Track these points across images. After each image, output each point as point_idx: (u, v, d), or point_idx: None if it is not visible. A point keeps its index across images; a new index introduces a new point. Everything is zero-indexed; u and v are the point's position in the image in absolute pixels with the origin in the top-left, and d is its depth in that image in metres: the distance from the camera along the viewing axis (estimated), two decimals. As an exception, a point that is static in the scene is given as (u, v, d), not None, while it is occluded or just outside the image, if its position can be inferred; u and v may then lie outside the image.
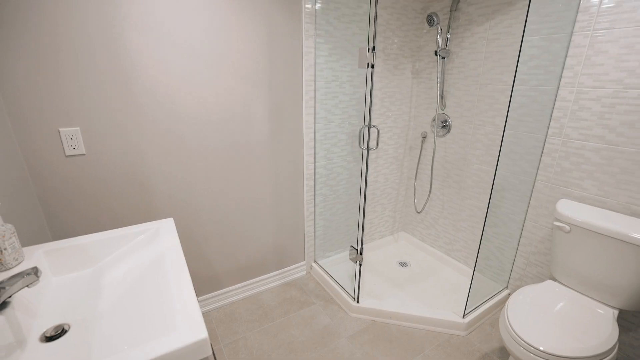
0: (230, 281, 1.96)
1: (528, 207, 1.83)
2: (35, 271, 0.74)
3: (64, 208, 1.36)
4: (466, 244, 2.23)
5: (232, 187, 1.79)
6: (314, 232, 2.22)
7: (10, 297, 0.74)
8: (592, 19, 1.43)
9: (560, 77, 1.58)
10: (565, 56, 1.55)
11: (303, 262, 2.24)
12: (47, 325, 0.78)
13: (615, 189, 1.47)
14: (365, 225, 2.49)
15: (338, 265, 2.31)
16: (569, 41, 1.52)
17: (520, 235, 1.90)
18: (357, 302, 1.87)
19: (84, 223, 1.42)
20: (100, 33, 1.24)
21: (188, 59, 1.46)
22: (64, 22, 1.18)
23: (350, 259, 1.85)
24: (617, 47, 1.37)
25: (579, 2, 1.46)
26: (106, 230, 1.47)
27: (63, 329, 0.78)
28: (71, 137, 1.28)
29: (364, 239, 2.53)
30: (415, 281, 2.17)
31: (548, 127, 1.67)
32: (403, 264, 2.37)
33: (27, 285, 0.74)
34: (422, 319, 1.78)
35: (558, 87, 1.60)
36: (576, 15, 1.48)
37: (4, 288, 0.71)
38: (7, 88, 1.15)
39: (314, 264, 2.26)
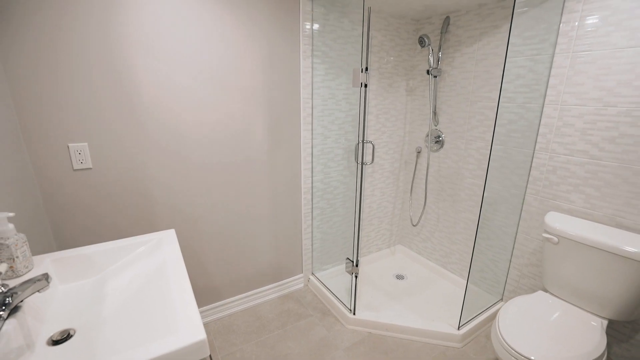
0: (229, 293, 1.99)
1: (519, 219, 1.88)
2: (46, 277, 0.79)
3: (70, 219, 1.41)
4: (461, 257, 2.27)
5: (232, 200, 1.84)
6: (312, 245, 2.26)
7: (22, 301, 0.79)
8: (571, 42, 1.52)
9: (545, 95, 1.66)
10: (549, 76, 1.63)
11: (301, 275, 2.27)
12: (54, 330, 0.83)
13: (601, 202, 1.52)
14: (362, 239, 2.53)
15: (335, 277, 2.34)
16: (551, 62, 1.61)
17: (513, 247, 1.94)
18: (354, 314, 1.90)
19: (88, 233, 1.47)
20: (108, 55, 1.33)
21: (191, 79, 1.54)
22: (77, 45, 1.26)
23: (347, 271, 1.89)
24: (595, 68, 1.46)
25: (559, 27, 1.56)
26: (110, 240, 1.52)
27: (69, 333, 0.82)
28: (79, 152, 1.35)
29: (360, 251, 2.56)
30: (412, 294, 2.19)
31: (535, 142, 1.74)
32: (400, 277, 2.39)
33: (38, 291, 0.79)
34: (418, 330, 1.80)
35: (543, 104, 1.68)
36: (557, 38, 1.57)
37: (16, 293, 0.76)
38: (22, 105, 1.22)
39: (311, 277, 2.29)
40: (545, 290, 1.69)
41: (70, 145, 1.33)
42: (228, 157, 1.76)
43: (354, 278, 1.84)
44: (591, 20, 1.45)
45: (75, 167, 1.36)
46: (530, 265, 1.86)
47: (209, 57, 1.57)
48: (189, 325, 0.74)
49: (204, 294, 1.90)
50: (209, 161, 1.71)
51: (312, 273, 2.32)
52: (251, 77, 1.71)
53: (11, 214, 0.85)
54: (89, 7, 1.26)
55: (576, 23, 1.50)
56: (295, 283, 2.25)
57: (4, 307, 0.73)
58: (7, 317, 0.74)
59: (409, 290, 2.23)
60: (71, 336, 0.82)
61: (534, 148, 1.75)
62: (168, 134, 1.55)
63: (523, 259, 1.90)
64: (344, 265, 2.45)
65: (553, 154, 1.67)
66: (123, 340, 0.79)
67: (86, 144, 1.37)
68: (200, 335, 0.71)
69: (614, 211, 1.48)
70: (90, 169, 1.40)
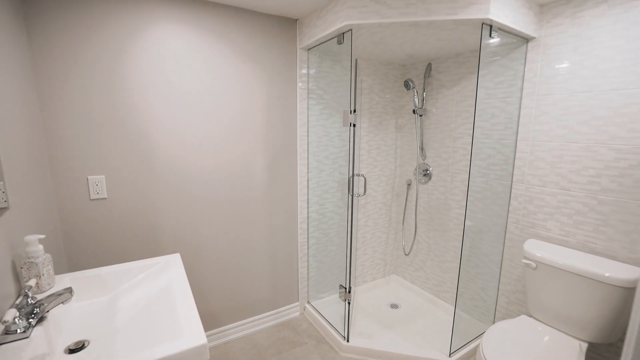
0: (226, 320, 2.05)
1: (504, 247, 1.99)
2: (69, 291, 0.91)
3: (84, 243, 1.54)
4: (453, 285, 2.34)
5: (232, 231, 1.97)
6: (307, 273, 2.35)
7: (47, 312, 0.90)
8: (535, 87, 1.73)
9: (517, 132, 1.84)
10: (519, 115, 1.83)
11: (297, 303, 2.33)
12: (70, 340, 0.93)
13: (574, 229, 1.64)
14: (356, 268, 2.61)
15: (330, 306, 2.40)
16: (520, 103, 1.81)
17: (500, 274, 2.03)
18: (347, 341, 1.95)
19: (100, 256, 1.59)
20: (125, 99, 1.53)
21: (197, 119, 1.74)
22: (102, 93, 1.47)
23: (340, 297, 1.96)
24: (557, 109, 1.65)
25: (524, 74, 1.77)
26: (121, 263, 1.63)
27: (83, 344, 0.93)
28: (97, 183, 1.51)
29: (355, 280, 2.63)
30: (405, 322, 2.24)
31: (512, 174, 1.90)
32: (394, 306, 2.45)
33: (62, 302, 0.90)
34: (410, 357, 1.84)
35: (516, 140, 1.85)
36: (523, 84, 1.78)
37: (43, 304, 0.88)
38: (51, 140, 1.40)
39: (307, 305, 2.35)
40: (529, 315, 1.76)
41: (89, 177, 1.49)
42: (230, 192, 1.92)
43: (347, 305, 1.92)
44: (549, 69, 1.66)
45: (92, 197, 1.51)
46: (517, 292, 1.94)
47: (215, 106, 1.77)
48: (191, 333, 0.85)
49: (204, 320, 1.97)
50: (212, 197, 1.86)
51: (308, 301, 2.39)
52: (253, 119, 1.91)
53: (42, 236, 0.99)
54: (113, 58, 1.48)
55: (537, 71, 1.71)
56: (291, 311, 2.31)
57: (33, 315, 0.85)
58: (35, 325, 0.85)
59: (403, 319, 2.28)
60: (85, 346, 0.92)
61: (512, 180, 1.90)
62: (173, 171, 1.72)
63: (510, 286, 1.98)
64: (338, 294, 2.51)
65: (529, 185, 1.82)
66: (134, 346, 0.89)
67: (103, 176, 1.53)
68: (202, 340, 0.82)
69: (585, 237, 1.60)
70: (105, 199, 1.55)
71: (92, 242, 1.56)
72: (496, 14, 1.44)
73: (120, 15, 1.47)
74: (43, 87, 1.36)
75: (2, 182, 0.90)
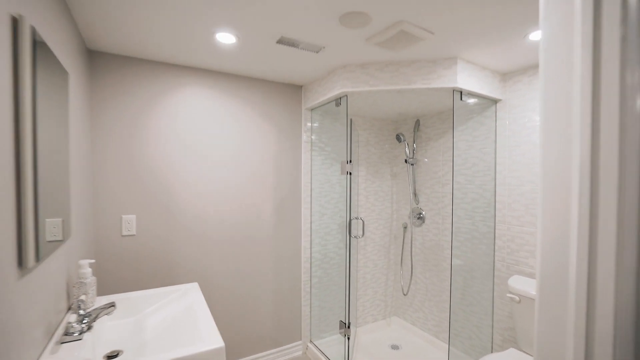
0: (232, 355, 2.14)
1: (493, 285, 2.13)
2: (113, 304, 1.12)
3: (114, 270, 1.74)
4: (451, 325, 2.42)
5: (241, 266, 2.16)
6: (310, 312, 2.46)
7: (94, 322, 1.10)
8: (505, 140, 2.01)
9: (495, 178, 2.09)
10: (495, 164, 2.09)
11: (300, 342, 2.41)
12: (107, 350, 1.11)
13: (552, 265, 1.80)
14: (357, 308, 2.71)
15: (333, 346, 2.46)
16: (495, 154, 2.09)
17: (493, 312, 2.14)
18: (348, 378, 2.01)
19: (127, 283, 1.78)
20: (157, 151, 1.84)
21: (215, 172, 2.03)
22: (136, 142, 1.78)
23: (340, 332, 2.07)
24: (526, 159, 1.91)
25: (496, 129, 2.07)
26: (145, 289, 1.82)
27: (118, 353, 1.10)
28: (129, 222, 1.75)
29: (357, 321, 2.71)
30: (406, 362, 2.29)
31: (495, 216, 2.10)
32: (395, 347, 2.50)
33: (107, 314, 1.10)
34: (409, 394, 1.90)
35: (495, 185, 2.10)
36: (496, 137, 2.07)
37: (91, 315, 1.08)
38: (97, 182, 1.68)
39: (309, 344, 2.43)
40: (519, 349, 1.84)
41: (123, 216, 1.75)
42: (240, 233, 2.14)
43: (346, 340, 2.02)
44: (515, 125, 1.96)
45: (123, 233, 1.75)
46: (510, 329, 2.04)
47: (235, 158, 2.08)
48: (210, 339, 1.03)
49: (210, 357, 2.07)
50: (224, 237, 2.09)
51: (311, 340, 2.46)
52: (265, 169, 2.21)
53: (92, 261, 1.21)
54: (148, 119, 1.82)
55: (506, 126, 2.01)
56: (294, 350, 2.38)
57: (84, 322, 1.04)
58: (85, 331, 1.04)
59: (403, 360, 2.33)
60: (119, 355, 1.10)
61: (494, 221, 2.11)
62: (196, 218, 1.97)
63: (502, 323, 2.08)
64: (341, 335, 2.59)
65: (510, 225, 2.02)
66: (161, 351, 1.07)
67: (134, 216, 1.78)
68: (219, 343, 1.00)
69: (562, 272, 1.76)
70: (134, 235, 1.79)
71: (121, 271, 1.76)
72: (463, 82, 1.77)
73: (154, 80, 1.84)
74: (95, 138, 1.68)
75: (68, 215, 1.15)
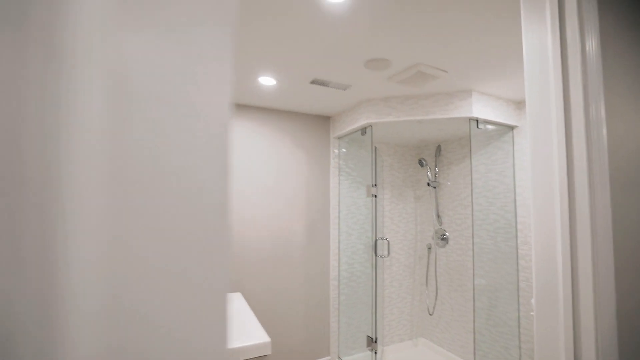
0: (266, 369, 2.28)
1: (519, 305, 2.17)
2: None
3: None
4: (478, 346, 2.44)
5: (273, 283, 2.34)
6: (338, 328, 2.58)
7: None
8: (523, 163, 2.13)
9: (515, 200, 2.19)
10: (515, 186, 2.20)
11: (328, 357, 2.52)
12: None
13: (574, 284, 1.86)
14: (384, 327, 2.78)
15: (361, 364, 2.54)
16: (514, 176, 2.20)
17: (519, 332, 2.17)
18: (376, 393, 2.09)
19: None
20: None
21: (259, 198, 2.27)
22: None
23: (368, 348, 2.17)
24: (542, 181, 2.01)
25: (513, 153, 2.20)
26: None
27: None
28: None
29: (383, 340, 2.78)
30: (433, 382, 2.33)
31: (516, 237, 2.19)
32: (422, 367, 2.54)
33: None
34: (436, 411, 1.94)
35: (515, 207, 2.19)
36: (514, 160, 2.20)
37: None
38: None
39: (338, 361, 2.52)
40: (547, 369, 1.86)
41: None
42: (274, 253, 2.35)
43: (373, 354, 2.12)
44: (532, 149, 2.08)
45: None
46: (536, 350, 2.06)
47: (276, 185, 2.33)
48: (258, 335, 1.21)
49: (246, 367, 2.22)
50: (259, 258, 2.30)
51: (339, 357, 2.56)
52: (295, 196, 2.43)
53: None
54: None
55: (524, 151, 2.13)
56: (324, 366, 2.49)
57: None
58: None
59: (431, 379, 2.37)
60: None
61: (517, 242, 2.18)
62: (235, 243, 2.21)
63: (530, 344, 2.10)
64: (369, 353, 2.66)
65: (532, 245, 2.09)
66: (214, 350, 1.26)
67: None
68: (266, 339, 1.17)
69: (585, 291, 1.80)
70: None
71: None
72: (478, 112, 1.95)
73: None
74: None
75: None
